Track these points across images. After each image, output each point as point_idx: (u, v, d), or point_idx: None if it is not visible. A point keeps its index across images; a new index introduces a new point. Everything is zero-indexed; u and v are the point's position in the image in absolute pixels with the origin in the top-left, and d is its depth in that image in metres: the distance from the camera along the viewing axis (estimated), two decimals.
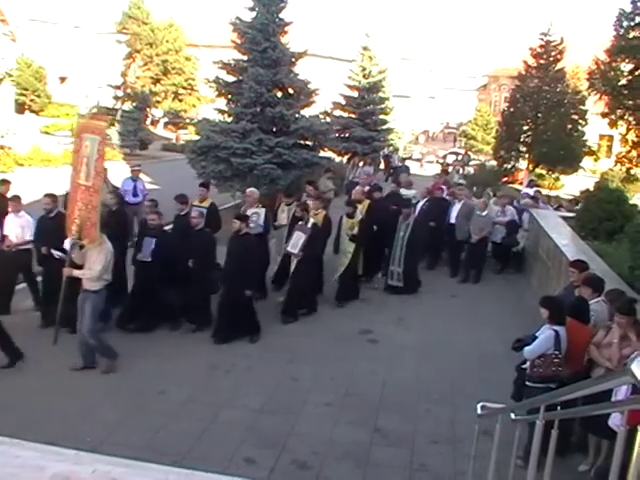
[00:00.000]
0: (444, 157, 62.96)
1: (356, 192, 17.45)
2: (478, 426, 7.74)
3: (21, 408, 9.48)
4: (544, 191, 32.70)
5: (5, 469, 7.63)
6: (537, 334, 8.68)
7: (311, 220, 14.41)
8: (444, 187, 21.46)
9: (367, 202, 16.63)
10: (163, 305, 12.85)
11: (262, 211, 14.92)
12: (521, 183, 41.43)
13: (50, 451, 8.13)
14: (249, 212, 14.58)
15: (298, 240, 13.94)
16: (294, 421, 9.69)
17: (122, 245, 12.84)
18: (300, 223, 14.43)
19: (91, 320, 10.63)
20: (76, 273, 10.61)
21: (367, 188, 18.40)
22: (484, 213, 17.91)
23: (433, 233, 18.18)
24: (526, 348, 8.59)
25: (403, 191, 20.50)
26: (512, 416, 6.80)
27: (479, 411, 7.54)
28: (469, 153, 62.15)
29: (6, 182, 15.88)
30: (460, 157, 58.75)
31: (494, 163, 45.88)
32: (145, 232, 13.00)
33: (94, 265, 10.46)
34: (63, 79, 72.38)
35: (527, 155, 43.01)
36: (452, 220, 18.53)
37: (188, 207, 14.07)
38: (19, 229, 12.90)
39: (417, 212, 18.28)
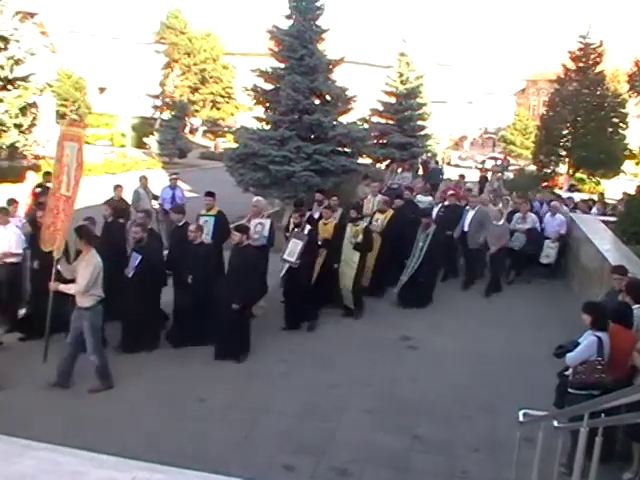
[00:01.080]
0: (483, 162, 62.56)
1: (380, 201, 17.06)
2: (520, 433, 7.64)
3: (61, 414, 9.59)
4: (585, 195, 32.34)
5: (46, 475, 7.70)
6: (579, 340, 8.57)
7: (307, 227, 14.06)
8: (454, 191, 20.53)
9: (390, 212, 16.33)
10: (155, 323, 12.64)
11: (267, 222, 14.64)
12: (561, 188, 41.03)
13: (90, 457, 8.19)
14: (254, 222, 14.33)
15: (295, 248, 13.48)
16: (333, 427, 9.67)
17: (119, 258, 12.46)
18: (296, 230, 14.01)
19: (92, 339, 10.32)
20: (62, 288, 10.38)
21: (379, 196, 17.90)
22: (500, 222, 17.38)
23: (448, 242, 17.57)
24: (568, 355, 8.48)
25: (420, 197, 20.02)
26: (555, 424, 6.71)
27: (521, 418, 7.46)
28: (508, 158, 61.74)
29: (49, 190, 16.05)
30: (499, 162, 58.35)
31: (533, 168, 45.48)
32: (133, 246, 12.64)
33: (80, 279, 10.18)
34: (102, 89, 73.14)
35: (567, 159, 42.55)
36: (465, 228, 17.83)
37: (185, 217, 13.80)
38: (6, 242, 12.67)
39: (433, 219, 17.44)
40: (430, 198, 20.77)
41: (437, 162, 46.40)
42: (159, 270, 12.51)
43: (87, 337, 10.29)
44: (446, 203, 18.74)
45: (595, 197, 28.40)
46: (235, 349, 12.07)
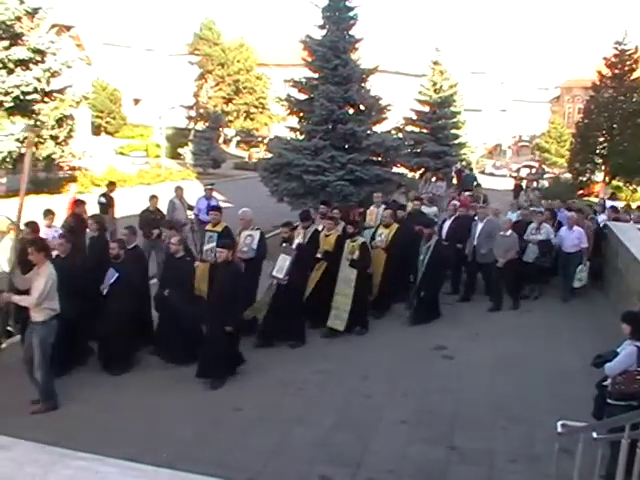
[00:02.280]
0: (517, 170, 62.17)
1: (384, 214, 16.18)
2: (558, 444, 7.56)
3: (100, 424, 9.63)
4: (621, 203, 32.01)
5: None
6: (618, 350, 8.46)
7: (296, 241, 13.63)
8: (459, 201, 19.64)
9: (396, 226, 15.52)
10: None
11: (257, 233, 13.91)
12: (597, 196, 40.68)
13: (129, 467, 8.22)
14: (243, 234, 13.85)
15: (283, 263, 12.90)
16: (368, 438, 9.61)
17: (102, 273, 11.85)
18: (284, 245, 13.46)
19: (40, 355, 9.85)
20: (15, 299, 9.88)
21: (384, 207, 16.88)
22: (508, 233, 16.21)
23: (460, 256, 17.04)
24: (607, 364, 8.38)
25: (424, 209, 19.03)
26: (594, 435, 6.63)
27: (559, 429, 7.38)
28: (543, 166, 61.35)
29: (82, 202, 16.23)
30: (534, 170, 57.96)
31: (569, 176, 45.16)
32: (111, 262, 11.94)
33: (34, 291, 9.76)
34: (137, 101, 73.82)
35: (603, 167, 42.21)
36: (474, 241, 16.73)
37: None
38: None
39: (445, 232, 17.15)
40: (435, 209, 20.04)
41: (471, 169, 46.31)
42: (137, 288, 12.06)
43: (36, 352, 9.86)
44: (457, 215, 17.75)
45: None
46: (221, 369, 11.41)
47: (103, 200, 19.15)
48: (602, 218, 20.61)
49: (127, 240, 12.54)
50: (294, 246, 13.31)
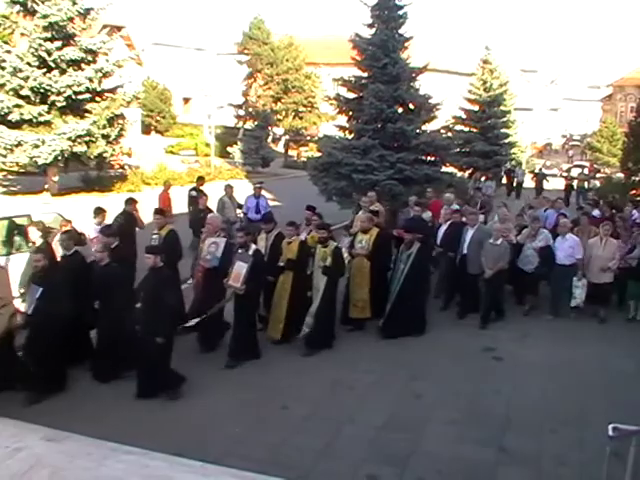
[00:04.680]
0: (568, 170, 61.37)
1: (360, 218, 15.18)
2: (609, 448, 7.46)
3: (149, 420, 9.77)
4: None
5: (134, 478, 7.85)
6: None
7: (253, 246, 12.62)
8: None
9: (376, 231, 14.34)
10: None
11: (222, 241, 13.03)
12: None
13: (177, 462, 8.32)
14: (207, 241, 13.07)
15: (240, 271, 11.85)
16: (417, 438, 9.59)
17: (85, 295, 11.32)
18: (240, 251, 12.44)
19: None
20: None
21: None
22: (499, 241, 14.75)
23: (451, 265, 15.94)
24: None
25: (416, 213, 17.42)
26: None
27: (611, 433, 7.29)
28: (595, 166, 60.52)
29: (133, 201, 16.41)
30: (585, 170, 57.18)
31: (621, 176, 44.49)
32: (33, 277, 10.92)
33: None
34: (187, 100, 74.32)
35: None
36: (464, 250, 15.50)
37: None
38: None
39: (440, 238, 16.09)
40: (429, 214, 18.13)
41: (541, 169, 46.14)
42: (65, 304, 10.58)
43: None
44: (452, 220, 16.33)
45: None
46: (159, 385, 10.69)
47: (194, 194, 19.75)
48: (596, 213, 19.60)
49: (65, 246, 11.85)
50: (251, 252, 12.35)
